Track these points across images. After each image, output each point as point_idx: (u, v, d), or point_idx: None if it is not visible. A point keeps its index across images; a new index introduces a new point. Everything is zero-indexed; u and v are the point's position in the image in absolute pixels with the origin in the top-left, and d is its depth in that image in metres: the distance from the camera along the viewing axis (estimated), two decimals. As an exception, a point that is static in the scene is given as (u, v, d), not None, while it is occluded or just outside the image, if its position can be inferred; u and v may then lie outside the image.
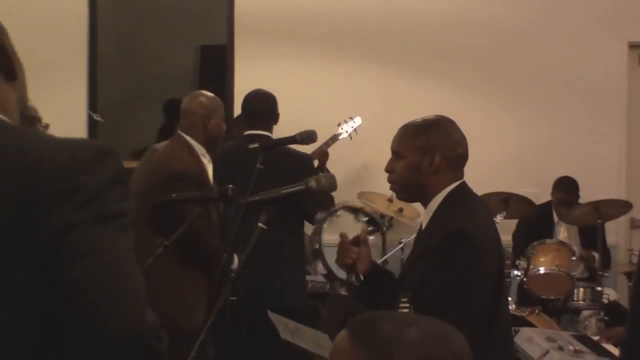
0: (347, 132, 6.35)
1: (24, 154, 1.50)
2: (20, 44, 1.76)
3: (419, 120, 3.02)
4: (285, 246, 4.43)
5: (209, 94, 4.43)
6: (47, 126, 4.49)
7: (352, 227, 3.52)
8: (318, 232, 3.20)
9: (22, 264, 1.45)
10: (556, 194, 6.44)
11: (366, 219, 3.51)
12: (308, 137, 4.48)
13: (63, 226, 1.43)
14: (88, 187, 1.47)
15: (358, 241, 2.96)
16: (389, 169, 3.00)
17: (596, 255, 6.01)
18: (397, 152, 2.97)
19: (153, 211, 3.74)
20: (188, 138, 4.25)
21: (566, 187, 6.44)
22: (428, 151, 2.90)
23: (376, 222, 3.59)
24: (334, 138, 6.20)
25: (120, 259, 1.49)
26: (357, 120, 6.39)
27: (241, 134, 4.74)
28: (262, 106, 4.82)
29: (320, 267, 3.04)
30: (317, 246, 3.05)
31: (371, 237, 3.37)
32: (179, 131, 4.28)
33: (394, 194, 5.79)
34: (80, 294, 1.44)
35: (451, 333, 1.47)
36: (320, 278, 5.77)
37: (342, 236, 2.99)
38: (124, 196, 1.53)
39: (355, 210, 3.52)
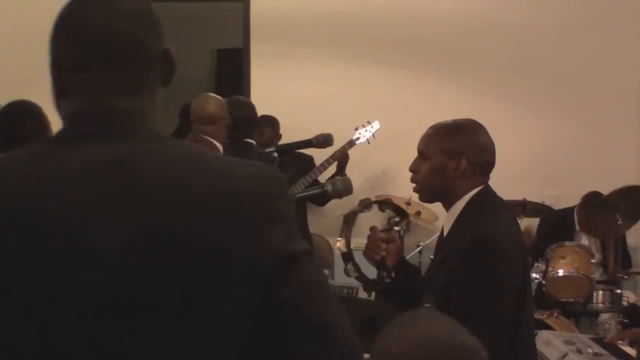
0: (365, 137, 6.31)
1: (215, 170, 1.46)
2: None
3: (449, 122, 2.96)
4: None
5: (219, 97, 4.40)
6: None
7: (379, 219, 3.43)
8: (348, 233, 3.12)
9: (233, 282, 1.41)
10: (582, 209, 6.21)
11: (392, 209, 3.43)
12: (325, 140, 4.41)
13: (281, 251, 1.41)
14: (286, 214, 1.45)
15: (388, 237, 2.93)
16: (413, 169, 2.94)
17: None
18: (423, 153, 2.91)
19: None
20: (216, 142, 4.23)
21: (593, 205, 6.20)
22: (454, 155, 2.85)
23: (402, 211, 3.52)
24: (351, 142, 6.16)
25: (331, 293, 1.49)
26: (375, 125, 6.33)
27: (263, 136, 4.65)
28: (242, 113, 4.72)
29: (351, 269, 3.01)
30: (346, 249, 3.00)
31: (397, 228, 3.37)
32: (204, 136, 4.20)
33: (412, 197, 5.86)
34: (317, 331, 1.43)
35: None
36: (337, 282, 5.78)
37: (372, 229, 2.96)
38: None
39: (380, 203, 3.45)
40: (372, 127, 6.32)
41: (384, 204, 3.42)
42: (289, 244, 1.42)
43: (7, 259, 1.35)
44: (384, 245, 2.91)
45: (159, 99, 1.56)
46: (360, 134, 6.27)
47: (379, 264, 3.02)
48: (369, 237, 2.94)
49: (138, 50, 1.49)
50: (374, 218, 3.55)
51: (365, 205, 3.33)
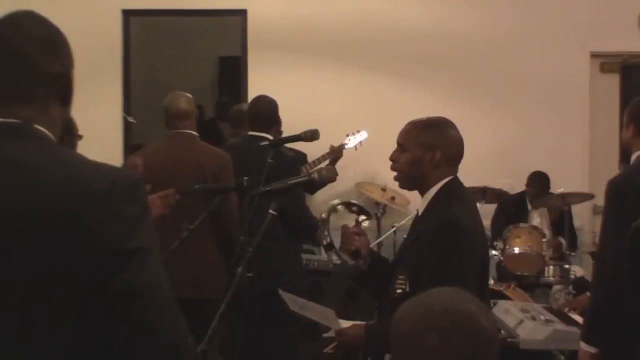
0: (353, 143, 6.36)
1: (68, 172, 1.45)
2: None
3: (425, 118, 3.03)
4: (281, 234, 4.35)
5: (187, 94, 4.46)
6: (80, 137, 4.48)
7: (348, 217, 3.58)
8: (325, 228, 3.27)
9: (71, 278, 1.40)
10: (530, 186, 6.54)
11: (357, 209, 3.59)
12: (312, 135, 4.52)
13: (115, 250, 1.40)
14: (131, 215, 1.44)
15: (358, 231, 2.99)
16: (393, 159, 3.00)
17: (563, 241, 6.11)
18: (403, 145, 2.97)
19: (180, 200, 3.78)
20: (194, 132, 4.27)
21: (539, 181, 6.57)
22: (430, 148, 2.92)
23: (367, 211, 3.65)
24: (342, 146, 6.24)
25: (166, 292, 1.46)
26: (363, 134, 6.40)
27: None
28: (264, 110, 4.75)
29: (333, 257, 3.13)
30: (328, 241, 3.11)
31: (365, 224, 3.46)
32: (183, 131, 4.23)
33: (386, 184, 5.91)
34: (134, 324, 1.41)
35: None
36: (324, 257, 5.84)
37: (344, 227, 3.03)
38: (151, 224, 1.51)
39: (348, 205, 3.62)
40: (360, 135, 6.37)
41: (350, 205, 3.59)
42: (122, 241, 1.40)
43: None
44: (356, 238, 2.97)
45: (57, 113, 1.57)
46: (349, 140, 6.32)
47: (354, 255, 3.09)
48: (342, 233, 3.02)
49: (27, 68, 1.52)
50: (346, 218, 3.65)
51: (332, 209, 3.53)
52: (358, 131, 6.35)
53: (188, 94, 4.40)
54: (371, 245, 3.66)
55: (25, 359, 1.39)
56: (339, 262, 3.20)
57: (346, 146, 6.26)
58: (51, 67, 1.54)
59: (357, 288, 5.61)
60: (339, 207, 3.78)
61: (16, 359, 1.39)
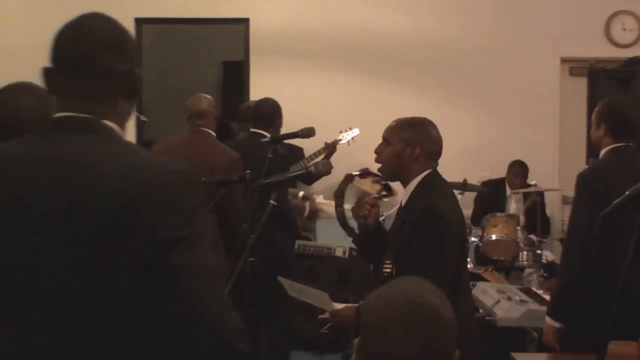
0: (346, 139, 6.28)
1: (131, 164, 1.44)
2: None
3: (409, 117, 3.00)
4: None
5: (209, 96, 4.44)
6: None
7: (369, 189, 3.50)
8: (340, 206, 3.10)
9: (125, 262, 1.37)
10: (510, 173, 6.47)
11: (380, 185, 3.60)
12: (308, 132, 4.47)
13: (167, 237, 1.37)
14: (186, 206, 1.41)
15: (372, 202, 2.95)
16: (378, 151, 2.96)
17: (534, 238, 5.90)
18: (387, 139, 2.93)
19: None
20: (210, 131, 4.24)
21: (519, 169, 6.51)
22: (411, 143, 2.88)
23: (390, 188, 3.57)
24: (335, 142, 6.16)
25: (212, 274, 1.43)
26: (355, 131, 6.31)
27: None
28: (266, 111, 4.71)
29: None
30: (342, 217, 3.08)
31: (386, 200, 3.52)
32: (200, 128, 4.20)
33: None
34: (180, 302, 1.37)
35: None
36: (319, 243, 5.77)
37: (364, 193, 3.01)
38: (204, 218, 1.49)
39: (375, 176, 3.54)
40: (352, 132, 6.27)
41: (377, 176, 3.38)
42: (177, 229, 1.38)
43: None
44: (368, 207, 2.91)
45: (124, 107, 1.55)
46: (342, 136, 6.22)
47: (361, 222, 3.04)
48: (358, 198, 2.95)
49: (97, 68, 1.49)
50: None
51: (349, 179, 3.29)
52: (350, 128, 6.27)
53: (209, 96, 4.38)
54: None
55: (90, 334, 1.37)
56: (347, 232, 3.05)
57: (340, 142, 6.18)
58: (119, 65, 1.51)
59: (348, 271, 5.58)
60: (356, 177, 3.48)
61: (83, 334, 1.37)
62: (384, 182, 3.54)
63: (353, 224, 3.38)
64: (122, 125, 1.53)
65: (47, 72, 1.51)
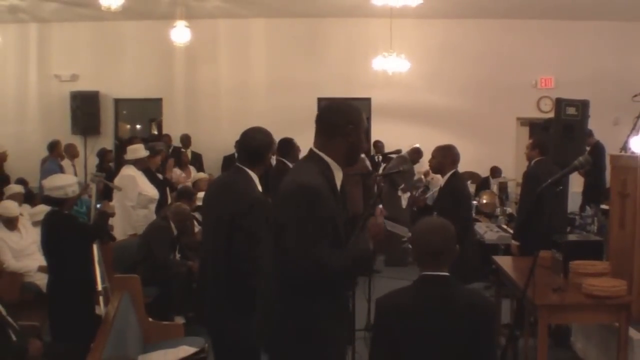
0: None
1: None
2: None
3: (444, 144, 4.24)
4: None
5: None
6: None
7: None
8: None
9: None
10: (491, 172, 8.85)
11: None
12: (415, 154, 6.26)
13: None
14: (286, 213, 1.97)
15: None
16: (433, 155, 3.99)
17: (504, 202, 7.69)
18: (434, 156, 4.03)
19: None
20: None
21: (495, 170, 8.99)
22: (445, 156, 4.10)
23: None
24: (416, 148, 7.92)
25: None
26: (417, 145, 8.15)
27: None
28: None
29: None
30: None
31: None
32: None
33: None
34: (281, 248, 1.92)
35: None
36: None
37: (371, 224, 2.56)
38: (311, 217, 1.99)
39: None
40: (416, 145, 7.78)
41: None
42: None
43: None
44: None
45: (343, 149, 2.13)
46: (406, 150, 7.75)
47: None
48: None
49: (326, 123, 2.12)
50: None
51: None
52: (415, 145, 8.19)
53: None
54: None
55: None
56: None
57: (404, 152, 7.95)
58: (339, 122, 2.08)
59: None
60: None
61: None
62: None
63: None
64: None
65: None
